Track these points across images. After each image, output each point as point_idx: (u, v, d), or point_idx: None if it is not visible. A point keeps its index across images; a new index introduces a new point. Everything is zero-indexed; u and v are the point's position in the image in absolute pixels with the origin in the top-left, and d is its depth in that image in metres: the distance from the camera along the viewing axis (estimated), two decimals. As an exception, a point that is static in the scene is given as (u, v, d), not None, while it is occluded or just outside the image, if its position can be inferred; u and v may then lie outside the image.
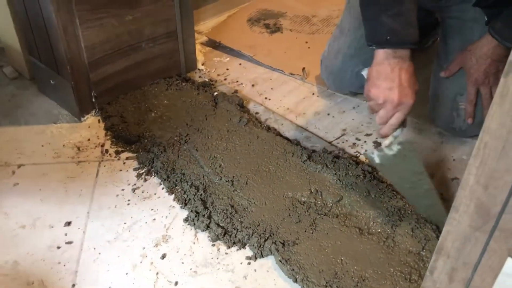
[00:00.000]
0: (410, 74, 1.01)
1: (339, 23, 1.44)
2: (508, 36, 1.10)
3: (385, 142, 1.02)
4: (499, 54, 1.15)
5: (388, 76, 1.00)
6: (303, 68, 1.60)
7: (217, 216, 1.09)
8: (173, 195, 1.16)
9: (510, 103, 0.49)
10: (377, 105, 1.01)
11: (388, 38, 1.00)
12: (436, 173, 1.24)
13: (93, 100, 1.38)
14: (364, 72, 1.06)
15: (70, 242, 1.06)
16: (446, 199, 1.13)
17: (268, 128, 1.36)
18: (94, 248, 1.05)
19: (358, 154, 1.29)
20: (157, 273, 1.00)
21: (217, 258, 1.03)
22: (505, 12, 1.11)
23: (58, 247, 1.05)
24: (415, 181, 1.03)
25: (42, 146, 1.30)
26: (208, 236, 1.07)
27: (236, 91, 1.52)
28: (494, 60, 1.16)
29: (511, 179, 0.52)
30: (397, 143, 1.01)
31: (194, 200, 1.13)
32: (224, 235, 1.06)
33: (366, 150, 1.30)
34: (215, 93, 1.47)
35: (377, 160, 1.02)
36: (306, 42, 1.75)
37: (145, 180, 1.21)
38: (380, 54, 1.02)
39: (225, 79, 1.58)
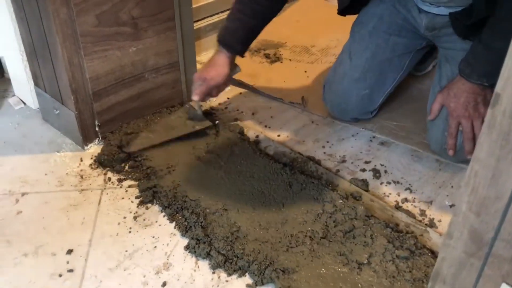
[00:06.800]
0: (218, 63, 1.35)
1: (344, 49, 1.50)
2: (469, 74, 1.19)
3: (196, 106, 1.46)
4: (472, 88, 1.20)
5: (208, 62, 1.39)
6: (303, 97, 1.63)
7: (217, 243, 1.10)
8: (174, 223, 1.17)
9: (497, 133, 0.51)
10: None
11: (218, 38, 1.35)
12: (434, 199, 1.25)
13: (97, 129, 1.40)
14: None
15: (71, 270, 1.07)
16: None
17: (268, 156, 1.38)
18: (96, 276, 1.05)
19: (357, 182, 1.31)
20: (158, 301, 1.00)
21: (218, 286, 1.03)
22: (468, 51, 1.19)
23: (60, 275, 1.05)
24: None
25: (46, 174, 1.32)
26: (209, 264, 1.07)
27: (236, 119, 1.54)
28: (470, 93, 1.21)
29: (502, 206, 0.53)
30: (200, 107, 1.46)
31: (195, 228, 1.14)
32: (224, 263, 1.06)
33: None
34: (216, 122, 1.50)
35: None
36: (305, 72, 1.79)
37: (147, 208, 1.22)
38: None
39: (226, 108, 1.61)
